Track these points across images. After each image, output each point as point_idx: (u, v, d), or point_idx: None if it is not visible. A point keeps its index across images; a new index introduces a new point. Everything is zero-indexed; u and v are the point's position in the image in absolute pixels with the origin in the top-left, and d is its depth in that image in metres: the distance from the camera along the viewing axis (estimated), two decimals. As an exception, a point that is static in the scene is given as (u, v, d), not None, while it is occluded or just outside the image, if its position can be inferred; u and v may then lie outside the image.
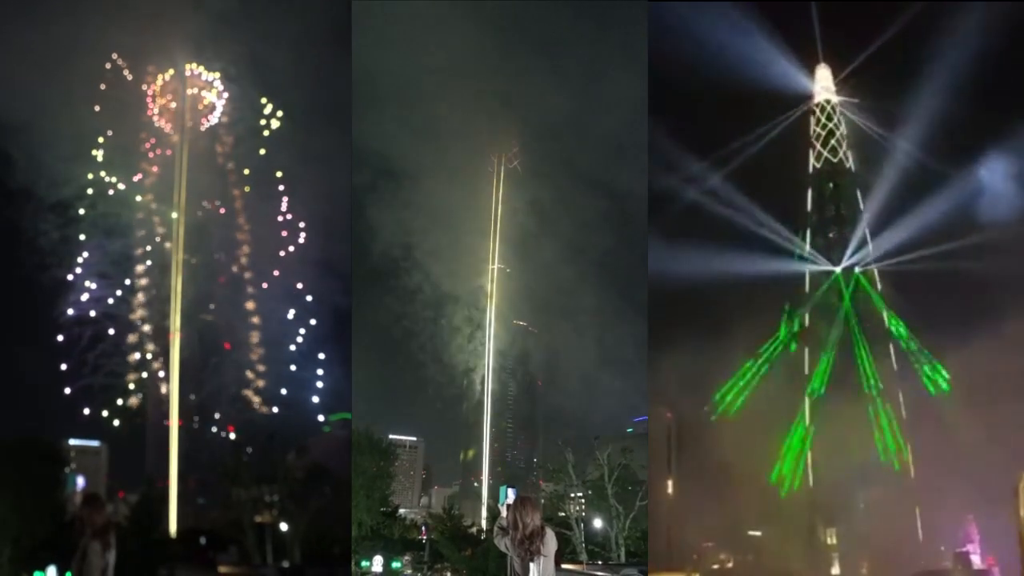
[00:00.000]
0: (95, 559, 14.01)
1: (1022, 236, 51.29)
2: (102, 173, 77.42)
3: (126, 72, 78.61)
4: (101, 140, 77.80)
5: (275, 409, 77.93)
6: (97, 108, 76.84)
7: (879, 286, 64.32)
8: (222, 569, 61.77)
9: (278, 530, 62.22)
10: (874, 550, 53.66)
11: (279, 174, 78.04)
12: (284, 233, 77.71)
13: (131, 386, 79.17)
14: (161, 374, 79.35)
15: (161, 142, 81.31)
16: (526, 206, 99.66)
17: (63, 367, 74.70)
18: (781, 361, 60.23)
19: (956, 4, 52.62)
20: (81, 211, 76.10)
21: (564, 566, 47.10)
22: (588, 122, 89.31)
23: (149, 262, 79.95)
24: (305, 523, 60.88)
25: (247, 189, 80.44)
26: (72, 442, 76.09)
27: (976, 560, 50.10)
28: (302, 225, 77.72)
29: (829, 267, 64.62)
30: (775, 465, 57.58)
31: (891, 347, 63.34)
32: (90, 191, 76.37)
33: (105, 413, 77.01)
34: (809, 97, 66.00)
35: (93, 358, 76.79)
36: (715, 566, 57.75)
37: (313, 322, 75.17)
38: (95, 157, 77.18)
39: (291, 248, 77.31)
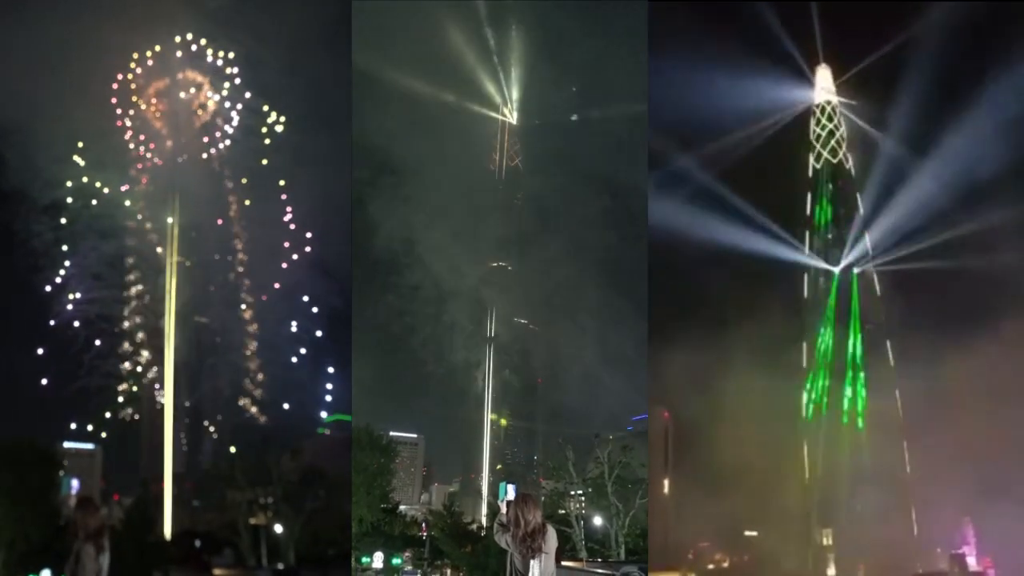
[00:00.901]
0: (89, 563, 13.92)
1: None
2: (95, 175, 77.18)
3: (120, 74, 78.47)
4: (95, 142, 77.63)
5: (271, 411, 77.89)
6: (91, 110, 76.77)
7: (877, 286, 64.40)
8: (217, 572, 61.71)
9: (273, 532, 62.14)
10: (870, 552, 53.65)
11: (277, 175, 77.86)
12: (282, 234, 77.41)
13: (125, 389, 79.12)
14: (155, 377, 79.25)
15: (156, 144, 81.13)
16: (527, 203, 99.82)
17: (57, 370, 74.75)
18: (779, 359, 60.19)
19: (956, 3, 52.66)
20: (74, 213, 75.92)
21: (564, 563, 47.04)
22: (589, 118, 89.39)
23: (143, 264, 79.85)
24: (300, 525, 60.78)
25: (244, 191, 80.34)
26: (66, 445, 75.77)
27: (972, 562, 50.15)
28: (301, 226, 77.37)
29: (828, 267, 64.66)
30: (773, 465, 57.61)
31: (888, 345, 63.45)
32: (83, 193, 76.16)
33: (99, 416, 77.05)
34: (809, 98, 65.98)
35: (88, 360, 76.71)
36: (710, 566, 57.67)
37: (311, 324, 74.86)
38: (89, 159, 77.00)
39: (289, 250, 76.99)
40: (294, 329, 76.75)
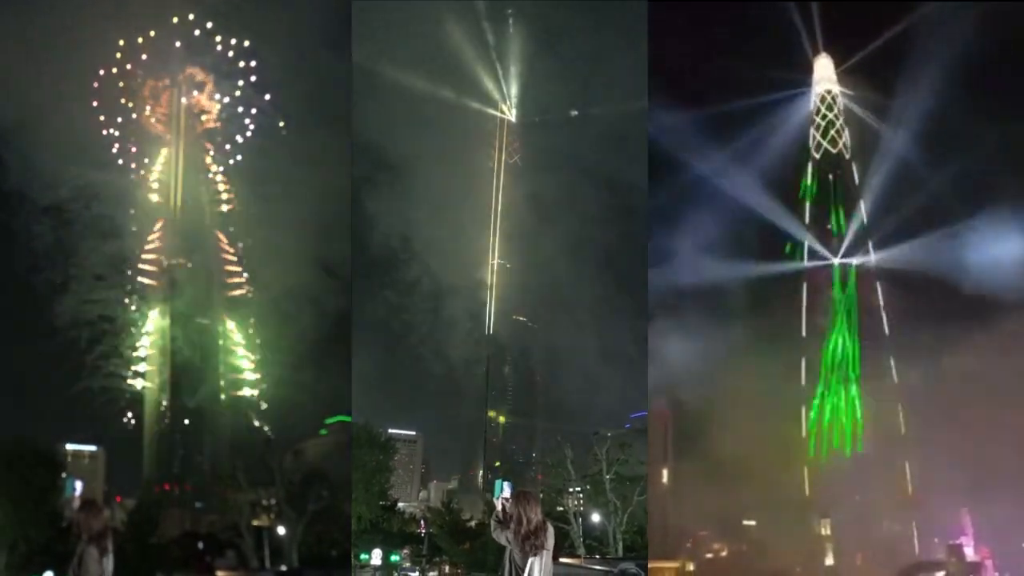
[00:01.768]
0: (92, 565, 13.94)
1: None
2: (96, 175, 77.10)
3: (120, 71, 78.39)
4: (95, 141, 77.61)
5: (273, 412, 77.96)
6: (91, 108, 76.72)
7: (876, 278, 64.32)
8: (220, 574, 61.66)
9: (276, 534, 62.07)
10: (868, 541, 53.82)
11: (277, 173, 77.70)
12: (283, 233, 77.35)
13: (127, 390, 79.18)
14: (157, 378, 79.31)
15: (156, 142, 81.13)
16: (526, 199, 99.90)
17: (60, 371, 74.85)
18: (779, 351, 60.25)
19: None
20: (75, 213, 75.91)
21: (562, 560, 47.21)
22: (588, 114, 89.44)
23: (144, 265, 79.83)
24: (303, 526, 60.66)
25: (244, 190, 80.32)
26: (69, 447, 75.92)
27: (969, 552, 50.29)
28: (301, 224, 77.04)
29: (828, 258, 64.49)
30: (772, 455, 57.75)
31: (886, 334, 63.40)
32: (84, 193, 76.12)
33: (101, 417, 77.17)
34: (809, 87, 65.83)
35: (91, 361, 76.74)
36: (709, 555, 57.83)
37: (312, 325, 74.73)
38: (89, 158, 76.96)
39: (290, 248, 76.91)
40: (295, 329, 76.60)
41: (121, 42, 77.17)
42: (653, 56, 58.93)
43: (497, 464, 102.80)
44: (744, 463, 50.17)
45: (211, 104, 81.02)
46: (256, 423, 78.18)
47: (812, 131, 66.22)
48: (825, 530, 56.17)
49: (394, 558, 65.01)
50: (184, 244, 79.97)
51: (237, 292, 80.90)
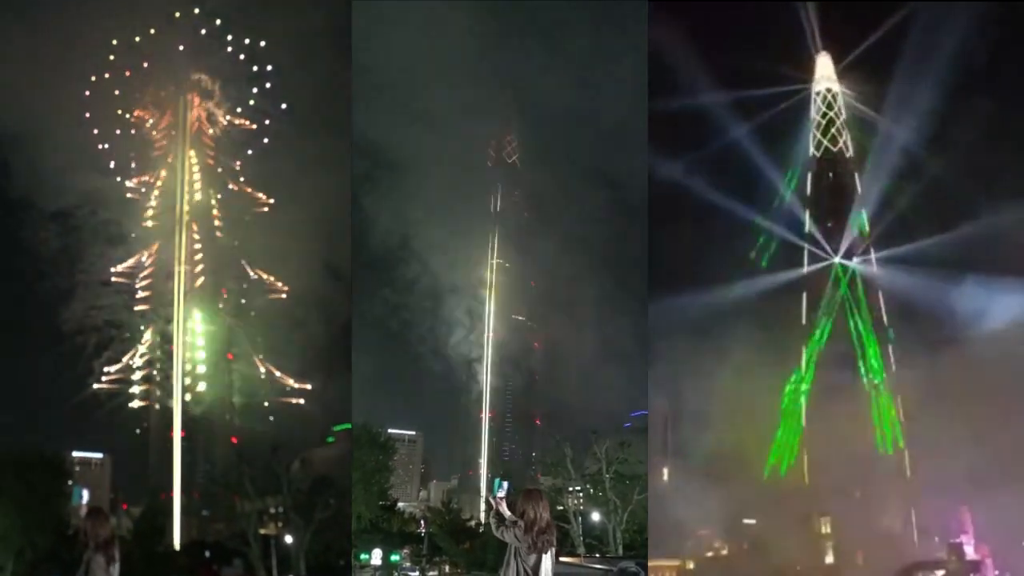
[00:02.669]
0: (99, 573, 14.12)
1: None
2: (102, 180, 77.10)
3: (124, 77, 78.42)
4: (101, 147, 77.65)
5: (280, 419, 77.74)
6: (97, 113, 76.80)
7: (876, 276, 64.33)
8: (226, 582, 61.76)
9: (282, 542, 61.68)
10: (869, 540, 53.85)
11: (279, 176, 77.38)
12: (285, 235, 77.14)
13: (133, 397, 79.22)
14: (164, 385, 79.23)
15: (162, 147, 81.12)
16: (525, 198, 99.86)
17: (67, 377, 74.94)
18: (778, 350, 60.32)
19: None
20: (81, 219, 75.89)
21: (562, 559, 47.42)
22: (588, 113, 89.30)
23: (150, 271, 79.81)
24: (310, 534, 60.23)
25: (248, 192, 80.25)
26: (75, 454, 76.15)
27: (969, 551, 50.32)
28: (303, 226, 77.08)
29: (828, 256, 64.52)
30: (770, 454, 57.92)
31: (888, 334, 63.46)
32: (90, 199, 76.11)
33: (107, 425, 77.18)
34: (809, 85, 65.89)
35: (97, 367, 76.79)
36: (709, 553, 57.91)
37: (319, 331, 74.75)
38: (95, 165, 76.96)
39: (293, 251, 76.80)
40: (303, 334, 76.56)
41: (123, 49, 77.37)
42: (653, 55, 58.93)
43: (497, 463, 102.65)
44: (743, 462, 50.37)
45: (215, 108, 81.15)
46: (263, 430, 78.05)
47: (812, 130, 66.34)
48: (825, 528, 56.25)
49: (394, 558, 65.13)
50: (190, 249, 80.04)
51: (244, 298, 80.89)
